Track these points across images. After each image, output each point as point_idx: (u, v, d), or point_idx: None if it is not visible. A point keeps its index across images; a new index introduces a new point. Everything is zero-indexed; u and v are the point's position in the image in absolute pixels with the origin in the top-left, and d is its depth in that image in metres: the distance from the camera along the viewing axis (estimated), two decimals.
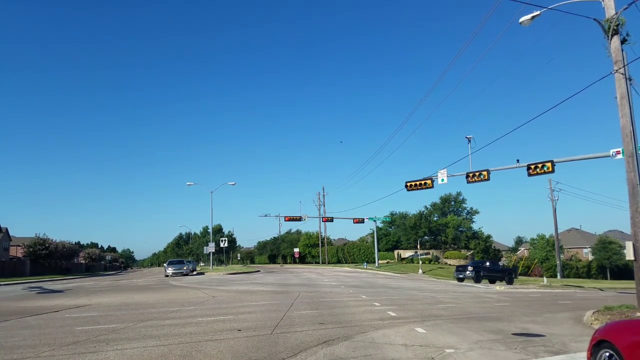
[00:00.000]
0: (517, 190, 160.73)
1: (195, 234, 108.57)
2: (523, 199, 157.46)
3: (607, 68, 13.44)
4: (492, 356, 7.11)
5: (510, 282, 33.87)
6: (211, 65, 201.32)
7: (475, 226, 78.84)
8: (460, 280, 34.09)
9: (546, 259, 65.51)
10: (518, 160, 21.84)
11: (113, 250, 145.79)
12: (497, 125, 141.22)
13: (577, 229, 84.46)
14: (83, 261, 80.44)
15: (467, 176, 24.22)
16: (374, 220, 60.66)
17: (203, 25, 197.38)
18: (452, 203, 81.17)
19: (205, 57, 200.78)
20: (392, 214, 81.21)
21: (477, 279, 33.28)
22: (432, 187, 26.41)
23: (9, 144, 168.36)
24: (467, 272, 33.74)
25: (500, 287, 28.19)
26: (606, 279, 59.04)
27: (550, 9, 14.35)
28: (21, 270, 49.17)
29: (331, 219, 63.21)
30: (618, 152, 15.96)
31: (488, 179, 23.53)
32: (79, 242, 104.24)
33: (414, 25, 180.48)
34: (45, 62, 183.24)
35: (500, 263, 45.91)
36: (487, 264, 36.37)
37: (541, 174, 21.15)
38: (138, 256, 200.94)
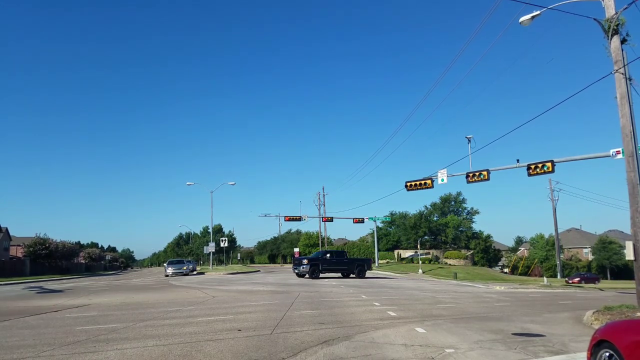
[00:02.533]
0: (517, 190, 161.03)
1: (195, 234, 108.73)
2: (523, 199, 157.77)
3: (607, 68, 13.47)
4: (492, 356, 7.10)
5: (360, 275, 31.17)
6: (211, 65, 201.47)
7: (475, 226, 79.00)
8: (299, 275, 30.88)
9: (546, 258, 65.58)
10: (518, 160, 21.86)
11: (113, 250, 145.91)
12: (497, 125, 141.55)
13: (577, 229, 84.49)
14: (83, 261, 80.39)
15: (467, 176, 24.21)
16: (374, 220, 60.68)
17: (203, 25, 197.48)
18: (452, 203, 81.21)
19: (205, 57, 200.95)
20: (392, 214, 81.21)
21: (313, 274, 29.47)
22: (432, 187, 26.39)
23: (9, 144, 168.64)
24: (302, 267, 30.19)
25: (500, 287, 28.20)
26: (606, 278, 59.07)
27: (550, 8, 14.36)
28: (21, 270, 49.16)
29: (331, 219, 63.18)
30: (618, 152, 15.97)
31: (488, 179, 23.53)
32: (79, 242, 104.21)
33: (414, 25, 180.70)
34: (45, 61, 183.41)
35: (348, 254, 39.12)
36: (328, 255, 32.30)
37: (541, 174, 21.15)
38: (138, 256, 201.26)
